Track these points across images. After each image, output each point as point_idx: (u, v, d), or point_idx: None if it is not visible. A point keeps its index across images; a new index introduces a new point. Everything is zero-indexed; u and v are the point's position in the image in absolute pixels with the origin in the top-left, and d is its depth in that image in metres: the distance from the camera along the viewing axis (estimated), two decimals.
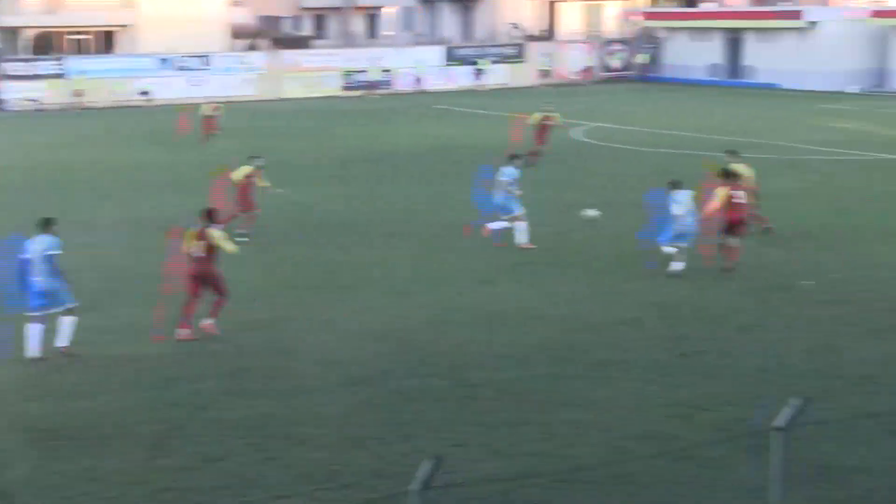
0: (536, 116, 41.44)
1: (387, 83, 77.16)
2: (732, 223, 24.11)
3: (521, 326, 20.79)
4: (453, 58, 79.70)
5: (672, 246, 24.21)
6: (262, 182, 29.12)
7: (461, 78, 78.99)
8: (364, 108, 66.10)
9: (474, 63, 79.23)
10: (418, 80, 77.76)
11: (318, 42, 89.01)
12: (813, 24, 74.57)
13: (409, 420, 16.07)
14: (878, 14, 75.48)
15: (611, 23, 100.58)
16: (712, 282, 23.87)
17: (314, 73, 75.38)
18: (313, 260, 26.57)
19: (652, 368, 18.24)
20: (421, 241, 28.78)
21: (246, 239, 26.84)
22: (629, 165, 41.06)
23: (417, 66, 77.97)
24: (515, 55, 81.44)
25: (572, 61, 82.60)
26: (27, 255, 18.85)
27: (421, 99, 72.28)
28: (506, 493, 13.48)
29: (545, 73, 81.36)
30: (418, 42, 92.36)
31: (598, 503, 13.23)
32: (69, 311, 18.92)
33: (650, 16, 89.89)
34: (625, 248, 27.02)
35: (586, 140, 49.21)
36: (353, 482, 13.97)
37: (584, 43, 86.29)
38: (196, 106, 53.81)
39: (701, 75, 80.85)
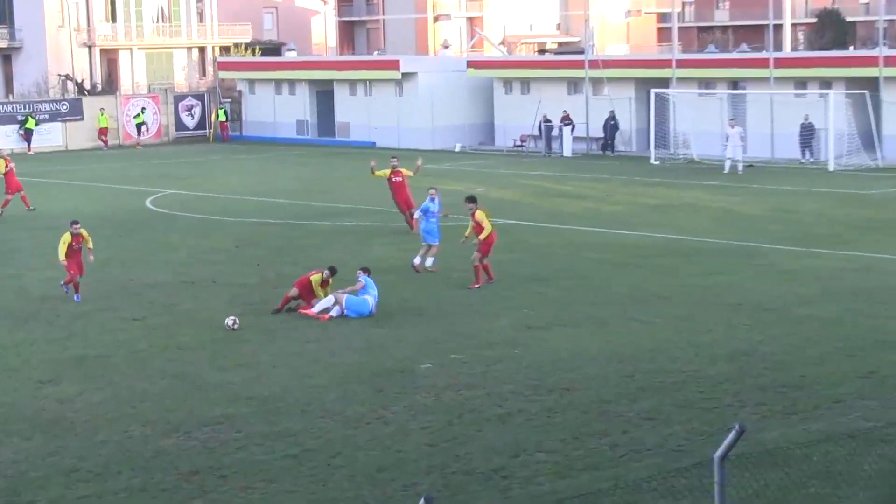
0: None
1: None
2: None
3: (94, 434, 20.11)
4: None
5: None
6: None
7: (5, 140, 76.74)
8: None
9: (20, 122, 77.09)
10: None
11: None
12: (410, 75, 76.07)
13: None
14: (474, 64, 78.26)
15: (181, 74, 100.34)
16: (319, 370, 23.89)
17: None
18: None
19: (256, 473, 18.01)
20: None
21: None
22: (209, 238, 40.77)
23: None
24: (71, 112, 79.63)
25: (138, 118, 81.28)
26: None
27: None
28: None
29: (109, 132, 79.27)
30: None
31: None
32: None
33: (226, 65, 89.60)
34: (214, 335, 26.74)
35: (158, 209, 48.64)
36: None
37: (151, 97, 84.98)
38: None
39: (289, 133, 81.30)
